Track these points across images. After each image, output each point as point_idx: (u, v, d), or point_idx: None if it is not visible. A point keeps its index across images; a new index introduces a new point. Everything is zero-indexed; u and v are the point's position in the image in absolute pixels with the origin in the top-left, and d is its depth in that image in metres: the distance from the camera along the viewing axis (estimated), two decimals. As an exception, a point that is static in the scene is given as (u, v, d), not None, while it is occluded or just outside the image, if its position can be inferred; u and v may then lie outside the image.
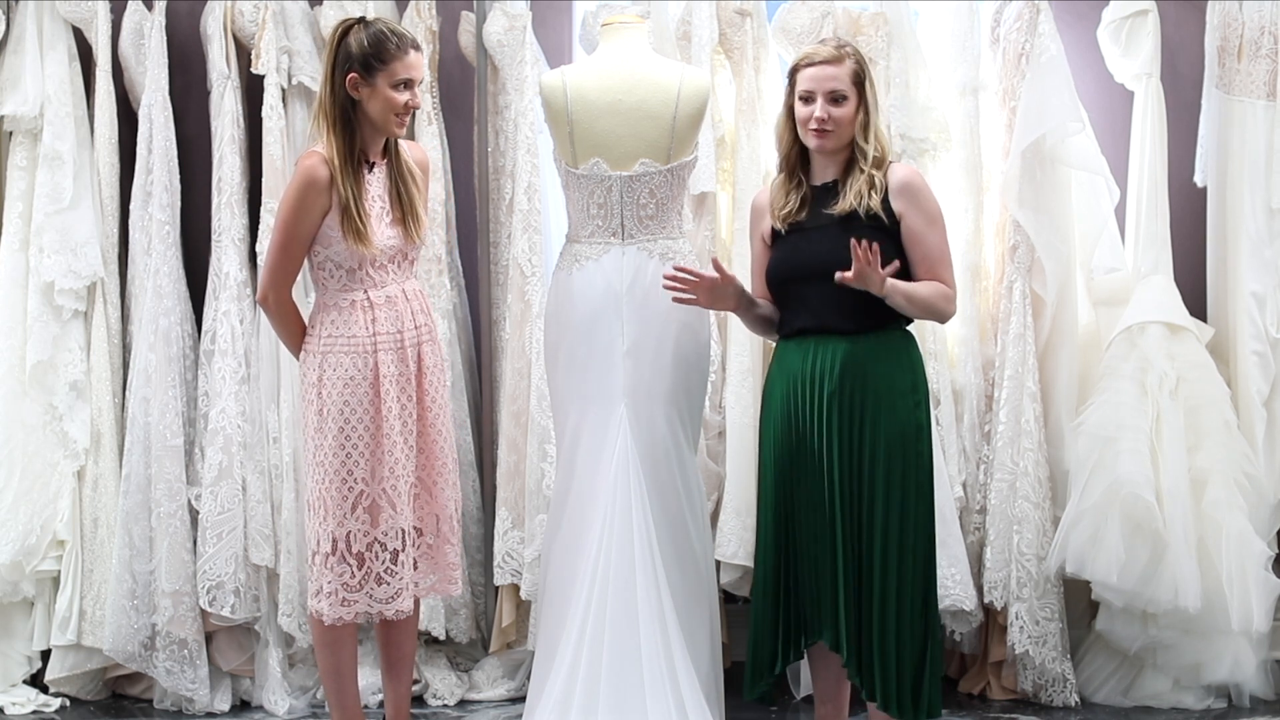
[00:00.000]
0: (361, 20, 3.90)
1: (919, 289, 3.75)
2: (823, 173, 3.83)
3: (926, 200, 3.79)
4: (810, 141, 3.79)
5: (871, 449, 3.72)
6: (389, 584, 3.87)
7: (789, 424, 3.80)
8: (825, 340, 3.76)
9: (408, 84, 3.86)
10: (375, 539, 3.86)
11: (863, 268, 3.62)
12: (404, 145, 4.01)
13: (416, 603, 4.05)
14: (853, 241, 3.61)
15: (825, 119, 3.75)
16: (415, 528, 3.95)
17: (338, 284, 3.91)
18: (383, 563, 3.86)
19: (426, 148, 4.66)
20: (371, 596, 3.87)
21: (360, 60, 3.83)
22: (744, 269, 4.66)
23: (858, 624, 3.73)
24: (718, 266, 3.77)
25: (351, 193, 3.83)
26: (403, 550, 3.88)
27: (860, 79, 3.78)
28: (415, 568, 3.96)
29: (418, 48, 3.89)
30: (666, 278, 3.80)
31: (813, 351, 3.77)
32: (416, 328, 3.94)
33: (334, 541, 3.86)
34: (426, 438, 3.96)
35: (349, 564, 3.85)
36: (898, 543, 3.72)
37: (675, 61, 4.45)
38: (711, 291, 3.80)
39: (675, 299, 3.80)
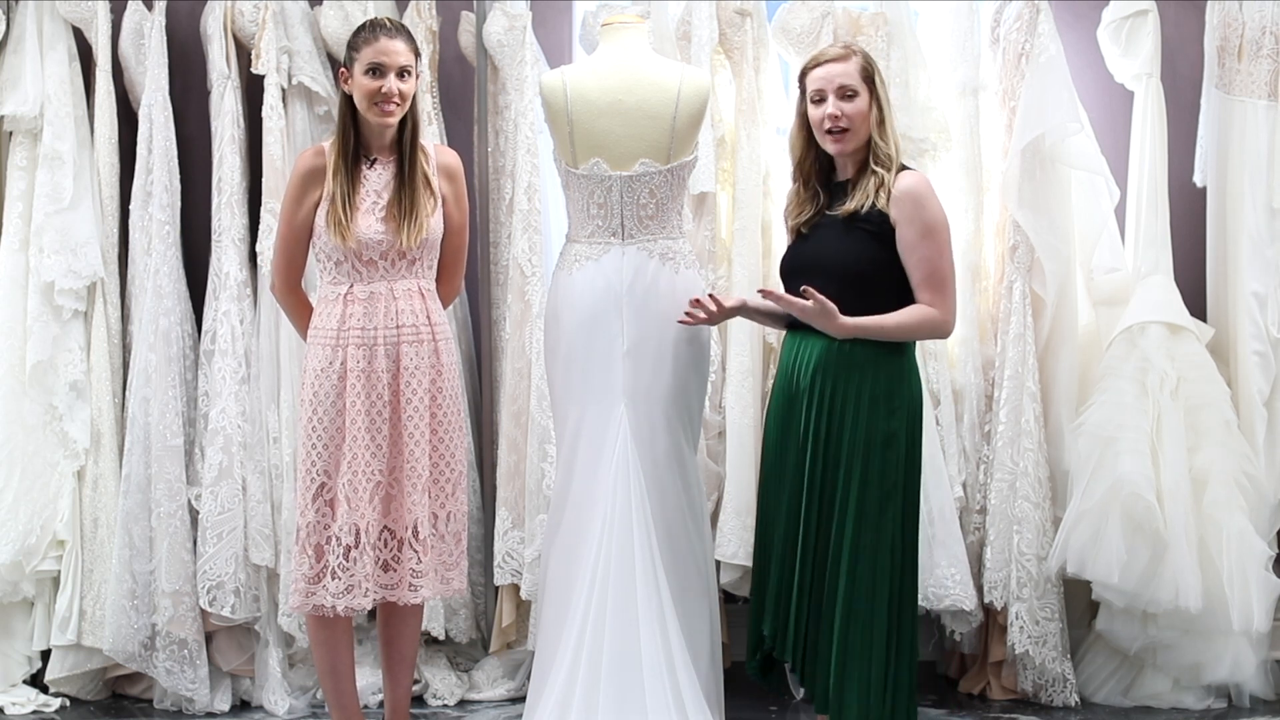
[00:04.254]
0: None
1: (889, 321, 3.68)
2: (843, 170, 3.83)
3: (925, 211, 3.70)
4: (829, 146, 3.76)
5: (837, 451, 3.70)
6: (340, 579, 3.84)
7: (778, 418, 3.84)
8: (810, 337, 3.76)
9: (379, 70, 3.83)
10: (333, 534, 3.85)
11: (813, 312, 3.67)
12: (433, 149, 4.00)
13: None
14: (805, 289, 3.66)
15: (838, 115, 3.71)
16: (388, 528, 3.91)
17: (329, 276, 3.93)
18: (337, 558, 3.85)
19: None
20: (327, 590, 3.85)
21: (345, 52, 3.90)
22: (744, 269, 4.68)
23: (810, 631, 3.70)
24: (716, 301, 3.86)
25: (341, 185, 3.84)
26: (355, 547, 3.85)
27: (869, 75, 3.75)
28: (387, 570, 3.92)
29: (393, 35, 3.86)
30: (687, 314, 3.87)
31: (799, 347, 3.80)
32: (398, 327, 3.89)
33: (298, 531, 3.89)
34: (399, 440, 3.91)
35: (308, 555, 3.87)
36: (851, 550, 3.66)
37: (675, 61, 4.45)
38: (718, 317, 3.92)
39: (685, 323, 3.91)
